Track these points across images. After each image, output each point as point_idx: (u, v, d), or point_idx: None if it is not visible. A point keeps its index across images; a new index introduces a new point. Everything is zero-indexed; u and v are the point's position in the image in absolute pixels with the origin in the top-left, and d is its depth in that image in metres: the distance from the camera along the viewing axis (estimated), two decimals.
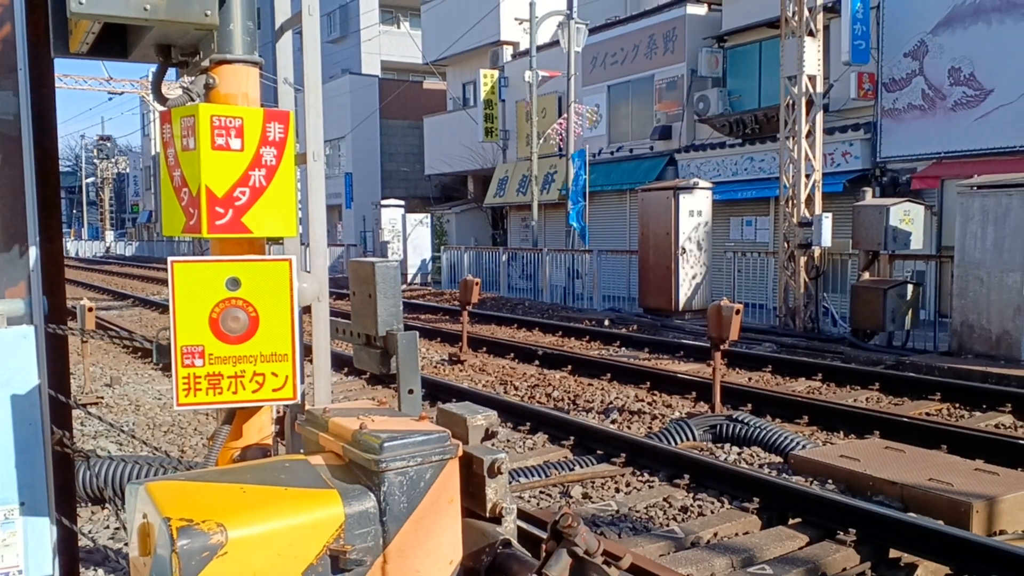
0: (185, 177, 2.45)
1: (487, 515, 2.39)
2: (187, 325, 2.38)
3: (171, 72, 2.92)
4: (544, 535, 2.33)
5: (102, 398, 9.33)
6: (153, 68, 2.90)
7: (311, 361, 2.90)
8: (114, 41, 2.82)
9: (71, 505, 2.88)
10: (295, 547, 1.95)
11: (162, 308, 19.52)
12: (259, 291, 2.45)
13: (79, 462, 3.75)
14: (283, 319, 2.47)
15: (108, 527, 5.37)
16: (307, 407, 2.60)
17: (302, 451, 2.48)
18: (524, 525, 3.67)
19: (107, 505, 5.60)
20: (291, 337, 2.49)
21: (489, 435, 2.50)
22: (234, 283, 2.42)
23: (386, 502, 2.07)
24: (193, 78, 2.65)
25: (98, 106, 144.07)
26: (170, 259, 2.35)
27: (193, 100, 2.56)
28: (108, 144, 66.93)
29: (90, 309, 8.69)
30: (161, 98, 2.75)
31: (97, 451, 7.03)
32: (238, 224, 2.46)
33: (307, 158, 2.78)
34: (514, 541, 2.41)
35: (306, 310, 2.77)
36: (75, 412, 2.95)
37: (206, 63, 2.61)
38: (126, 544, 4.96)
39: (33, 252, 2.68)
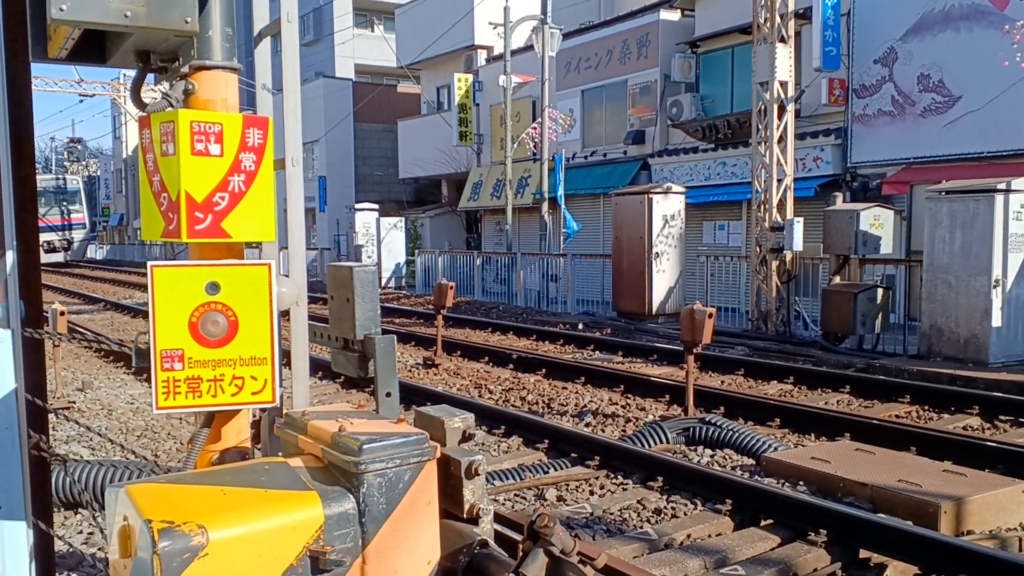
0: (164, 182, 2.46)
1: (464, 516, 2.42)
2: (167, 329, 2.39)
3: (150, 77, 2.93)
4: (520, 537, 2.36)
5: (74, 403, 9.26)
6: (129, 72, 2.90)
7: (289, 365, 2.92)
8: (93, 47, 2.82)
9: (47, 509, 2.88)
10: (275, 548, 1.97)
11: (134, 312, 19.37)
12: (238, 295, 2.46)
13: (55, 466, 3.74)
14: (262, 323, 2.49)
15: (82, 531, 5.35)
16: (286, 410, 2.61)
17: (280, 454, 2.50)
18: (500, 528, 3.70)
19: (81, 509, 5.57)
20: (270, 341, 2.51)
21: (466, 437, 2.53)
22: (213, 287, 2.43)
23: (365, 503, 2.10)
24: (172, 84, 2.66)
25: (69, 108, 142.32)
26: (150, 263, 2.36)
27: (172, 106, 2.57)
28: (79, 147, 66.13)
29: (62, 313, 8.61)
30: (140, 103, 2.75)
31: (70, 455, 6.98)
32: (217, 229, 2.47)
33: (286, 163, 2.80)
34: (491, 541, 2.44)
35: (284, 314, 2.78)
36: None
37: (185, 69, 2.62)
38: (101, 548, 4.94)
39: (10, 256, 2.67)
